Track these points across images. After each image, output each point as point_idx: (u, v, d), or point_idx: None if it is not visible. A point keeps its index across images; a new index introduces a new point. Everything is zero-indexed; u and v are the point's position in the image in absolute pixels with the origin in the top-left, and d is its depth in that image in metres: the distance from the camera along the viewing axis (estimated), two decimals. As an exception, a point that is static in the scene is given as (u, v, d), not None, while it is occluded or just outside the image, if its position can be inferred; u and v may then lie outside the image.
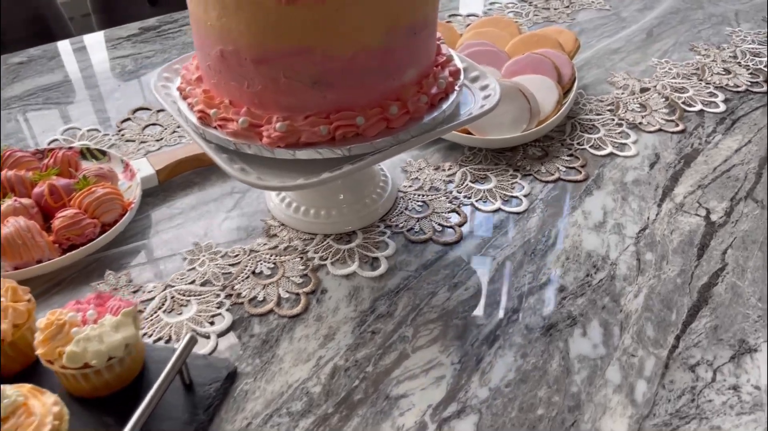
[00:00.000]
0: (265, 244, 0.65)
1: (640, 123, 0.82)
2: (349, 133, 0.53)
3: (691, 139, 0.79)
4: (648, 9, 1.11)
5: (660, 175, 0.73)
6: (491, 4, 1.13)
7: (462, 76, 0.61)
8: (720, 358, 0.53)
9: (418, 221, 0.67)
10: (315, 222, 0.66)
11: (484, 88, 0.63)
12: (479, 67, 0.65)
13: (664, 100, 0.86)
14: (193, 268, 0.62)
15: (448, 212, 0.69)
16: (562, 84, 0.83)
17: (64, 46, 1.06)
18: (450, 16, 1.10)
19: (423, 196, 0.71)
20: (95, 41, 1.07)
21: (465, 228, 0.67)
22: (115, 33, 1.09)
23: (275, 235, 0.66)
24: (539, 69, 0.83)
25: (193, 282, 0.61)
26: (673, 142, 0.79)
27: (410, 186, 0.72)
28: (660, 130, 0.81)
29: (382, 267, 0.62)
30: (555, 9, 1.11)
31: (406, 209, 0.69)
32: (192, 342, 0.50)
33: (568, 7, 1.12)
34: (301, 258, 0.63)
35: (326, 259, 0.63)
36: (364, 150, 0.53)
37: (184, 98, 0.58)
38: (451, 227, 0.67)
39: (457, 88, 0.60)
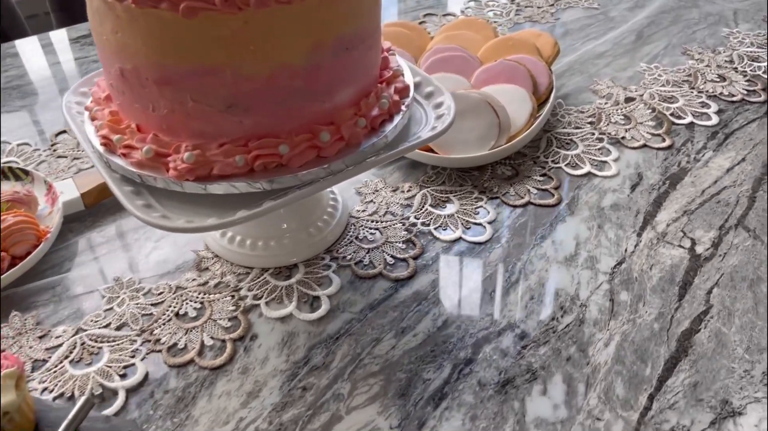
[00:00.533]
0: (194, 280, 0.58)
1: (623, 138, 0.74)
2: (271, 163, 0.46)
3: (679, 156, 0.71)
4: (639, 7, 1.03)
5: (642, 199, 0.66)
6: (470, 0, 1.06)
7: (411, 94, 0.54)
8: (698, 423, 0.46)
9: (368, 252, 0.60)
10: (251, 254, 0.59)
11: (438, 106, 0.56)
12: (434, 82, 0.58)
13: (650, 111, 0.78)
14: (111, 308, 0.56)
15: (403, 242, 0.62)
16: (537, 94, 0.76)
17: (8, 47, 0.99)
18: (425, 15, 1.02)
19: (377, 222, 0.64)
20: (44, 42, 1.00)
21: (420, 262, 0.60)
22: (65, 34, 1.02)
23: (207, 269, 0.59)
24: (513, 77, 0.75)
25: (108, 325, 0.54)
26: (658, 160, 0.71)
27: (364, 210, 0.65)
28: (645, 145, 0.73)
29: (323, 308, 0.55)
30: (539, 8, 1.03)
31: (356, 238, 0.62)
32: (87, 405, 0.43)
33: (552, 5, 1.04)
34: (233, 296, 0.56)
35: (260, 298, 0.56)
36: (288, 183, 0.46)
37: (92, 119, 0.51)
38: (404, 260, 0.60)
39: (403, 108, 0.52)
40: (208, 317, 0.55)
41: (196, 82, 0.43)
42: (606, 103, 0.80)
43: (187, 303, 0.56)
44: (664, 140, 0.74)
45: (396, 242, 0.61)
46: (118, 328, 0.54)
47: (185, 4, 0.39)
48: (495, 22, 0.99)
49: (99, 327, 0.54)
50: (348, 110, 0.48)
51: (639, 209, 0.64)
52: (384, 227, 0.63)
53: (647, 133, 0.75)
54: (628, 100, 0.80)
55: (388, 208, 0.66)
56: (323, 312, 0.55)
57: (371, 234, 0.62)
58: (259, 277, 0.58)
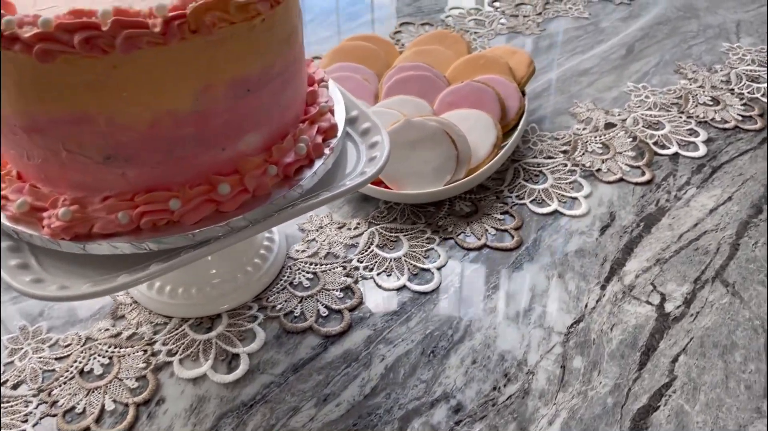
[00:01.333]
0: (106, 330, 0.53)
1: (599, 170, 0.67)
2: (160, 220, 0.40)
3: (658, 193, 0.65)
4: (633, 17, 0.95)
5: (611, 244, 0.59)
6: (451, 9, 0.99)
7: (340, 133, 0.48)
8: None
9: (301, 302, 0.55)
10: (171, 302, 0.54)
11: (372, 146, 0.50)
12: (371, 117, 0.52)
13: (631, 139, 0.71)
14: (12, 362, 0.51)
15: (341, 289, 0.56)
16: (506, 120, 0.69)
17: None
18: (401, 24, 0.96)
19: (316, 265, 0.58)
20: None
21: (356, 314, 0.54)
22: None
23: (122, 317, 0.54)
24: (480, 101, 0.69)
25: (5, 382, 0.49)
26: (635, 197, 0.64)
27: (303, 251, 0.60)
28: (621, 179, 0.66)
29: (241, 369, 0.50)
30: (525, 17, 0.96)
31: (290, 284, 0.56)
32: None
33: (540, 14, 0.97)
34: (145, 351, 0.51)
35: (175, 354, 0.51)
36: (178, 243, 0.40)
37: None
38: (339, 312, 0.54)
39: (327, 151, 0.46)
40: (115, 376, 0.49)
41: (67, 131, 0.38)
42: (584, 129, 0.73)
43: (94, 358, 0.51)
44: (643, 173, 0.67)
45: (333, 290, 0.56)
46: (14, 386, 0.49)
47: (39, 47, 0.34)
48: (476, 32, 0.92)
49: (-6, 386, 0.49)
50: (255, 157, 0.43)
51: (607, 256, 0.58)
52: (323, 271, 0.58)
53: (626, 164, 0.68)
54: (609, 126, 0.73)
55: (330, 248, 0.60)
56: (240, 374, 0.49)
57: (308, 279, 0.57)
58: (177, 329, 0.53)
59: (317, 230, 0.62)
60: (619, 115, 0.75)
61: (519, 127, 0.68)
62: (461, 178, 0.63)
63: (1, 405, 0.48)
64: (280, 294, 0.56)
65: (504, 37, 0.92)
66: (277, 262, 0.58)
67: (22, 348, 0.52)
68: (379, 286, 0.56)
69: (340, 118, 0.50)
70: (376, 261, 0.58)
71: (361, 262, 0.58)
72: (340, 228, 0.62)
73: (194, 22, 0.36)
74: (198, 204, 0.41)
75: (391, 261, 0.58)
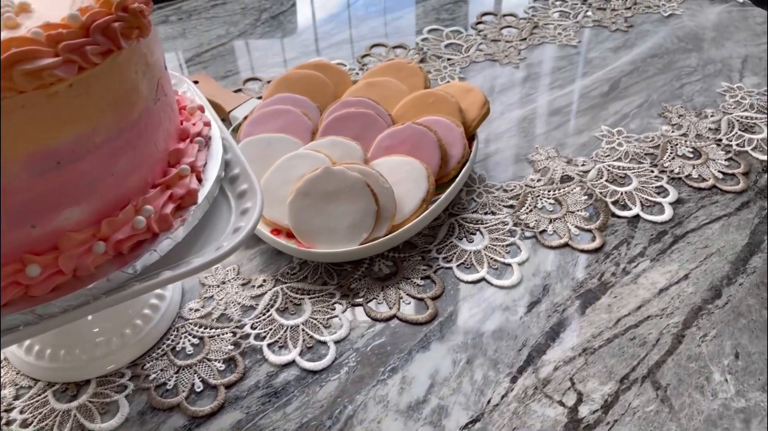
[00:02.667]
0: (-33, 391, 0.49)
1: (543, 231, 0.60)
2: (-41, 303, 0.36)
3: (605, 265, 0.57)
4: (626, 48, 0.86)
5: (536, 325, 0.52)
6: (429, 32, 0.92)
7: (201, 199, 0.43)
8: None
9: (178, 372, 0.50)
10: (37, 364, 0.50)
11: (244, 212, 0.44)
12: (251, 177, 0.46)
13: (587, 197, 0.63)
14: None
15: (224, 361, 0.51)
16: (445, 170, 0.62)
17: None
18: (373, 47, 0.89)
19: (205, 328, 0.53)
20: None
21: (234, 392, 0.49)
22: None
23: (-12, 376, 0.50)
24: (418, 147, 0.63)
25: None
26: (578, 267, 0.57)
27: (197, 310, 0.55)
28: (566, 245, 0.59)
29: (91, 450, 0.45)
30: (507, 42, 0.88)
31: (172, 349, 0.52)
32: None
33: (525, 39, 0.89)
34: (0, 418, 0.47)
35: (29, 425, 0.47)
36: (-25, 331, 0.36)
37: None
38: (214, 387, 0.49)
39: (177, 223, 0.41)
40: (-42, 447, 0.46)
41: None
42: (538, 181, 0.65)
43: (-56, 424, 0.47)
44: (594, 239, 0.59)
45: (215, 360, 0.51)
46: None
47: None
48: (449, 59, 0.85)
49: None
50: (79, 233, 0.38)
51: (527, 340, 0.51)
52: (210, 337, 0.53)
53: (576, 226, 0.60)
54: (565, 179, 0.65)
55: (226, 309, 0.55)
56: (88, 456, 0.45)
57: (192, 345, 0.52)
58: (40, 394, 0.49)
59: (218, 286, 0.57)
60: (582, 165, 0.67)
61: (458, 179, 0.61)
62: (381, 236, 0.57)
63: None
64: (158, 361, 0.51)
65: (479, 65, 0.84)
66: (162, 323, 0.53)
67: None
68: (266, 360, 0.51)
69: (209, 179, 0.45)
70: (271, 329, 0.53)
71: (255, 328, 0.53)
72: (243, 284, 0.57)
73: (-34, 93, 0.31)
74: (2, 287, 0.36)
75: (286, 329, 0.53)
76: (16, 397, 0.49)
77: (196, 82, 0.77)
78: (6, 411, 0.48)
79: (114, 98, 0.37)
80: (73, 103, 0.35)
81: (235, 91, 0.81)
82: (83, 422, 0.47)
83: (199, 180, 0.44)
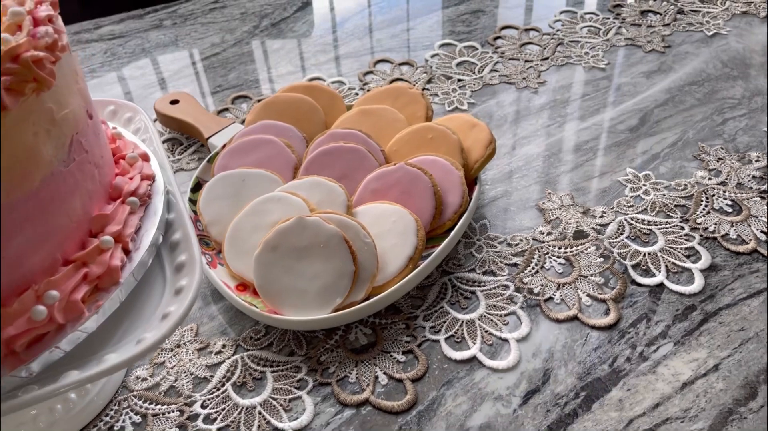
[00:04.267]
0: None
1: (549, 299, 0.52)
2: None
3: (619, 347, 0.48)
4: (662, 72, 0.77)
5: (531, 422, 0.44)
6: (440, 47, 0.83)
7: (124, 277, 0.36)
8: None
9: (111, 458, 0.43)
10: (-47, 442, 0.44)
11: (178, 292, 0.37)
12: (192, 243, 0.39)
13: (602, 259, 0.55)
14: None
15: (165, 447, 0.44)
16: (440, 220, 0.54)
17: None
18: (377, 62, 0.81)
19: (150, 403, 0.46)
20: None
21: (170, 488, 0.42)
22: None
23: None
24: (410, 192, 0.55)
25: None
26: (585, 349, 0.48)
27: (145, 379, 0.48)
28: (575, 318, 0.50)
29: None
30: (527, 61, 0.79)
31: (110, 429, 0.45)
32: None
33: (547, 59, 0.80)
34: None
35: None
36: None
37: None
38: (149, 482, 0.42)
39: (88, 313, 0.34)
40: None
41: None
42: (548, 234, 0.57)
43: None
44: (608, 312, 0.51)
45: (156, 445, 0.44)
46: None
47: None
48: (460, 79, 0.77)
49: None
50: (-42, 329, 0.31)
51: (519, 442, 0.43)
52: (154, 415, 0.46)
53: (587, 295, 0.52)
54: (579, 235, 0.57)
55: (176, 380, 0.48)
56: None
57: (133, 424, 0.45)
58: (-46, 478, 0.43)
59: (172, 350, 0.50)
60: (601, 216, 0.58)
61: (453, 232, 0.53)
62: (358, 301, 0.49)
63: None
64: (91, 441, 0.44)
65: (492, 88, 0.75)
66: (103, 395, 0.46)
67: None
68: (213, 449, 0.44)
69: (141, 250, 0.37)
70: (224, 409, 0.46)
71: (206, 407, 0.46)
72: (200, 349, 0.50)
73: None
74: None
75: (241, 411, 0.46)
76: (-72, 480, 0.43)
77: (175, 102, 0.70)
78: None
79: (5, 167, 0.30)
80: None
81: (220, 111, 0.74)
82: None
83: (127, 252, 0.37)
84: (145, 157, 0.43)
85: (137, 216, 0.39)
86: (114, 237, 0.36)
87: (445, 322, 0.51)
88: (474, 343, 0.49)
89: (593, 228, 0.57)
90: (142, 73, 0.81)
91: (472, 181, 0.58)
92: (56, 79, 0.32)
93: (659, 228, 0.57)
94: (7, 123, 0.30)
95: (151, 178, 0.41)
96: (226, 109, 0.74)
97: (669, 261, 0.54)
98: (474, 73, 0.78)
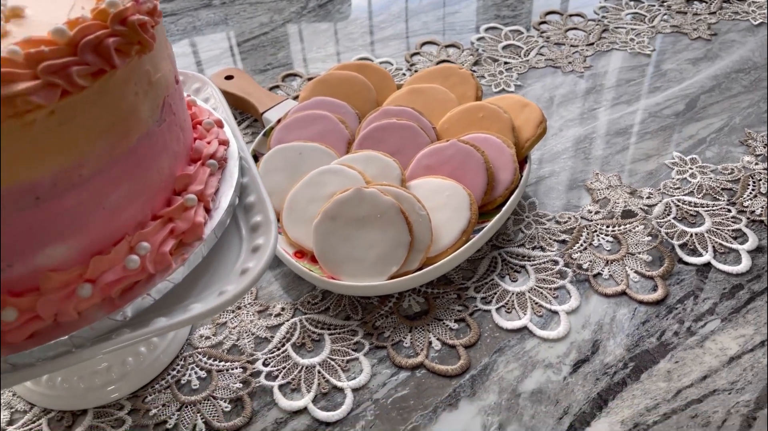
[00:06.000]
0: (-40, 411, 0.46)
1: (597, 275, 0.53)
2: None
3: (667, 321, 0.50)
4: (708, 60, 0.77)
5: (581, 389, 0.46)
6: (486, 30, 0.84)
7: (207, 234, 0.38)
8: None
9: (180, 409, 0.46)
10: (33, 389, 0.47)
11: (255, 249, 0.39)
12: (267, 207, 0.41)
13: (651, 237, 0.56)
14: None
15: (230, 401, 0.46)
16: (492, 196, 0.56)
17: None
18: (424, 44, 0.82)
19: (214, 360, 0.49)
20: None
21: (237, 438, 0.44)
22: None
23: (-16, 396, 0.47)
24: (463, 168, 0.56)
25: None
26: (634, 322, 0.50)
27: (208, 337, 0.50)
28: (623, 293, 0.52)
29: (78, 493, 0.42)
30: (572, 46, 0.80)
31: (177, 382, 0.47)
32: None
33: (592, 44, 0.81)
34: (-11, 447, 0.44)
35: (18, 457, 0.44)
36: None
37: None
38: (217, 431, 0.45)
39: (175, 264, 0.36)
40: (-57, 476, 0.43)
41: None
42: (596, 213, 0.58)
43: (-67, 447, 0.44)
44: (655, 288, 0.52)
45: (221, 399, 0.46)
46: None
47: None
48: (507, 62, 0.78)
49: None
50: (62, 274, 0.33)
51: (570, 407, 0.45)
52: (219, 371, 0.48)
53: (635, 272, 0.53)
54: (627, 214, 0.58)
55: (239, 339, 0.50)
56: (75, 500, 0.41)
57: (199, 379, 0.48)
58: (34, 421, 0.45)
59: (233, 311, 0.52)
60: (648, 197, 0.59)
61: (505, 208, 0.55)
62: (413, 270, 0.51)
63: None
64: (161, 394, 0.47)
65: (539, 71, 0.77)
66: (169, 351, 0.49)
67: None
68: (276, 404, 0.46)
69: (219, 209, 0.40)
70: (284, 368, 0.48)
71: (267, 365, 0.48)
72: (260, 312, 0.52)
73: None
74: (-31, 329, 0.32)
75: (301, 370, 0.48)
76: (10, 422, 0.46)
77: (230, 77, 0.73)
78: (-2, 437, 0.45)
79: (106, 125, 0.32)
80: (54, 133, 0.30)
81: (272, 88, 0.76)
82: (74, 459, 0.43)
83: (208, 210, 0.39)
84: (220, 124, 0.45)
85: (216, 178, 0.41)
86: (197, 196, 0.38)
87: (495, 293, 0.52)
88: (524, 314, 0.51)
89: (641, 209, 0.58)
90: (194, 50, 0.83)
91: (522, 159, 0.59)
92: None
93: (706, 210, 0.58)
94: (114, 82, 0.32)
95: (226, 143, 0.44)
96: (277, 87, 0.76)
97: (716, 242, 0.55)
98: (520, 56, 0.79)
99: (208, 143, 0.42)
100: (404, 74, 0.77)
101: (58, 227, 0.32)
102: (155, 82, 0.35)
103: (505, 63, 0.78)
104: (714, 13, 0.85)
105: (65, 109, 0.30)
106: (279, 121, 0.65)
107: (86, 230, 0.33)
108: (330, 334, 0.50)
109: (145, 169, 0.36)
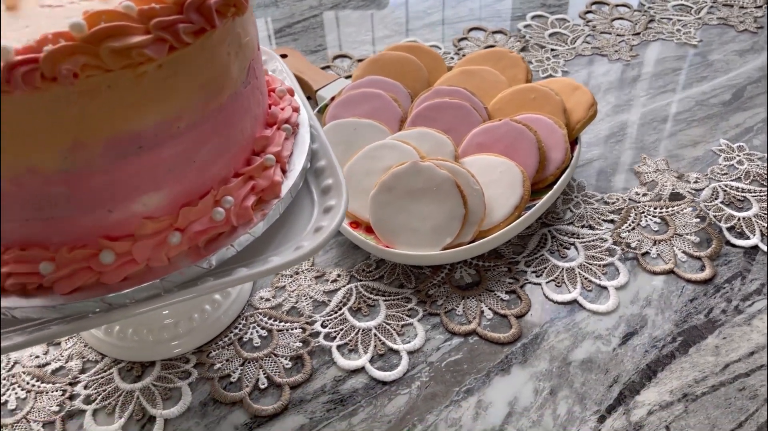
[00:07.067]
0: (36, 357, 0.49)
1: (646, 254, 0.54)
2: (30, 284, 0.35)
3: (715, 299, 0.51)
4: (755, 51, 0.78)
5: (631, 360, 0.47)
6: (533, 18, 0.85)
7: (285, 193, 0.40)
8: None
9: (243, 364, 0.48)
10: (105, 339, 0.49)
11: (327, 210, 0.41)
12: (338, 172, 0.43)
13: (699, 220, 0.57)
14: (-64, 376, 0.48)
15: (291, 359, 0.48)
16: (543, 174, 0.57)
17: None
18: (471, 30, 0.84)
19: (275, 321, 0.51)
20: None
21: (298, 393, 0.46)
22: None
23: (58, 344, 0.50)
24: (515, 147, 0.58)
25: None
26: (682, 299, 0.51)
27: (268, 299, 0.53)
28: (671, 271, 0.53)
29: (151, 435, 0.44)
30: (618, 35, 0.81)
31: (239, 339, 0.50)
32: None
33: (638, 34, 0.82)
34: (63, 392, 0.47)
35: (92, 402, 0.46)
36: (38, 315, 0.34)
37: None
38: (279, 386, 0.47)
39: (256, 218, 0.38)
40: (23, 416, 0.45)
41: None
42: (644, 196, 0.59)
43: (12, 390, 0.47)
44: (703, 268, 0.53)
45: (282, 357, 0.48)
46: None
47: None
48: (553, 49, 0.79)
49: None
50: (155, 221, 0.35)
51: (620, 376, 0.46)
52: (279, 330, 0.50)
53: (683, 252, 0.54)
54: (675, 197, 0.59)
55: (297, 302, 0.52)
56: (148, 442, 0.44)
57: (260, 337, 0.50)
58: (105, 371, 0.48)
59: (291, 276, 0.54)
60: (695, 182, 0.60)
61: (556, 186, 0.56)
62: (466, 242, 0.53)
63: None
64: (224, 350, 0.49)
65: (585, 59, 0.78)
66: (232, 310, 0.51)
67: (-50, 362, 0.49)
68: (334, 362, 0.48)
69: (294, 171, 0.42)
70: (342, 330, 0.50)
71: (325, 327, 0.50)
72: (317, 277, 0.54)
73: (49, 69, 0.28)
74: (75, 271, 0.34)
75: (358, 332, 0.50)
76: (82, 371, 0.48)
77: (284, 56, 0.75)
78: (70, 384, 0.47)
79: (203, 81, 0.34)
80: (160, 85, 0.32)
81: (323, 68, 0.78)
82: (146, 406, 0.45)
83: (284, 171, 0.41)
84: (291, 92, 0.47)
85: (290, 142, 0.43)
86: (275, 157, 0.40)
87: (545, 268, 0.54)
88: (574, 288, 0.52)
89: (688, 192, 0.59)
90: (246, 30, 0.85)
91: (572, 141, 0.61)
92: (247, 7, 0.36)
93: (753, 196, 0.59)
94: (212, 41, 0.34)
95: (298, 110, 0.45)
96: (328, 67, 0.78)
97: (763, 226, 0.56)
98: (566, 44, 0.80)
99: (282, 109, 0.44)
100: (452, 58, 0.78)
101: (155, 176, 0.34)
102: (244, 44, 0.37)
103: (552, 50, 0.79)
104: (760, 6, 0.86)
105: (171, 64, 0.32)
106: (333, 98, 0.67)
107: (178, 181, 0.36)
108: (385, 300, 0.52)
109: (231, 127, 0.38)
